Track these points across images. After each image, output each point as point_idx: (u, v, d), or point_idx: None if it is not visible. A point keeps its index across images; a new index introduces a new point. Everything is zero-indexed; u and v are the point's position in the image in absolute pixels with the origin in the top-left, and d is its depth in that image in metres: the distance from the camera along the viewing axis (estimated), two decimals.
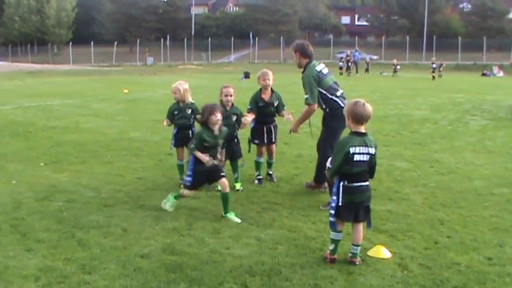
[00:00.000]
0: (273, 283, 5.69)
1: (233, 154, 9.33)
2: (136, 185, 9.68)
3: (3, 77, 45.79)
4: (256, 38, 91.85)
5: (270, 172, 10.34)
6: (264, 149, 10.16)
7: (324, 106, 8.99)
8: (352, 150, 6.07)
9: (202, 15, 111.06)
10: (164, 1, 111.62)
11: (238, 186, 9.50)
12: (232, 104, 9.41)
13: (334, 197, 6.20)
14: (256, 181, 10.01)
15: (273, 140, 10.12)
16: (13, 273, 5.90)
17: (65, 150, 12.81)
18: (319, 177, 9.29)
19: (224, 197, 7.87)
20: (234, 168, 9.58)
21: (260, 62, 78.97)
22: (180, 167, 9.78)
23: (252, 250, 6.60)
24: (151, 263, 6.16)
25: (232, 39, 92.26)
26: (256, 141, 10.00)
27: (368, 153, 6.15)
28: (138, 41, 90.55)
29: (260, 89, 9.92)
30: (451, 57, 72.78)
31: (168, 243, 6.77)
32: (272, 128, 10.06)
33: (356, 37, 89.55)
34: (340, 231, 6.28)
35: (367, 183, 6.25)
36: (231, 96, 9.30)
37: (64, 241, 6.89)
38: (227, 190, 7.86)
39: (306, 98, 8.93)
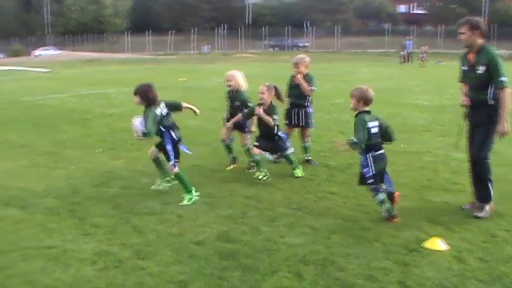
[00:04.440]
0: (327, 272, 5.66)
1: (278, 149, 9.35)
2: (191, 172, 9.72)
3: (62, 65, 46.63)
4: (314, 28, 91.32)
5: (308, 158, 10.54)
6: (294, 131, 10.61)
7: (492, 96, 7.40)
8: (369, 125, 7.14)
9: (258, 4, 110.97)
10: None
11: (299, 173, 9.52)
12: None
13: (366, 169, 7.17)
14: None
15: (301, 124, 10.40)
16: (71, 257, 6.04)
17: (122, 137, 12.95)
18: (482, 192, 7.69)
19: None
20: (288, 160, 9.54)
21: (316, 51, 78.48)
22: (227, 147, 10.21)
23: (307, 239, 6.58)
24: (205, 250, 6.20)
25: (289, 28, 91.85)
26: (286, 122, 10.42)
27: (377, 126, 7.26)
28: (193, 29, 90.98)
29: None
30: None
31: (222, 231, 6.80)
32: (301, 112, 10.31)
33: (414, 26, 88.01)
34: (382, 191, 7.20)
35: (383, 150, 7.34)
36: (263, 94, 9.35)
37: (120, 227, 7.00)
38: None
39: (502, 81, 7.30)
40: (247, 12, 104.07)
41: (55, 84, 27.79)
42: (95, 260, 5.95)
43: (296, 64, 10.31)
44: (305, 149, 10.56)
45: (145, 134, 7.84)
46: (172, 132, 8.17)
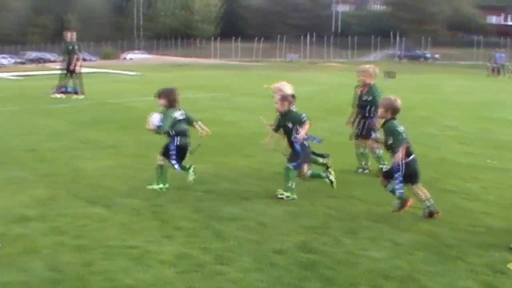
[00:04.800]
0: None
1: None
2: (274, 179, 9.70)
3: (151, 69, 47.58)
4: (403, 38, 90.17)
5: (380, 167, 10.25)
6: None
7: None
8: (400, 130, 7.67)
9: (346, 12, 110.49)
10: None
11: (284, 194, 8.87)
12: None
13: (398, 173, 7.60)
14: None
15: (362, 133, 10.39)
16: (152, 258, 6.12)
17: (207, 142, 12.98)
18: None
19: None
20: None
21: (405, 62, 77.47)
22: None
23: (388, 254, 6.45)
24: (285, 259, 6.16)
25: (378, 38, 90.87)
26: (355, 132, 10.56)
27: (404, 130, 7.75)
28: (281, 37, 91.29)
29: None
30: None
31: (303, 241, 6.75)
32: (363, 122, 10.36)
33: (506, 38, 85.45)
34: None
35: (414, 155, 7.83)
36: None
37: (201, 231, 7.05)
38: None
39: None
40: (334, 21, 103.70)
41: (144, 87, 28.30)
42: (176, 262, 6.01)
43: (361, 73, 10.45)
44: (377, 159, 10.37)
45: (158, 128, 8.96)
46: (177, 138, 9.02)
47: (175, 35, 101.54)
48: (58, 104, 20.45)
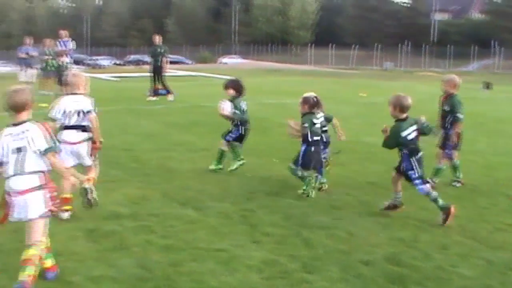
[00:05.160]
0: None
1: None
2: (366, 189, 9.59)
3: (245, 74, 47.88)
4: (502, 48, 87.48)
5: (434, 180, 9.83)
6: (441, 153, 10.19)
7: None
8: (404, 134, 7.77)
9: (443, 21, 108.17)
10: (406, 5, 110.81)
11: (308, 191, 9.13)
12: None
13: (412, 171, 7.85)
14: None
15: (439, 144, 10.14)
16: (239, 262, 6.16)
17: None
18: None
19: None
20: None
21: (504, 73, 75.10)
22: None
23: (480, 272, 6.23)
24: (372, 271, 6.07)
25: (476, 47, 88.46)
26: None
27: (414, 130, 7.90)
28: (377, 45, 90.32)
29: None
30: None
31: (392, 253, 6.63)
32: (443, 132, 10.08)
33: None
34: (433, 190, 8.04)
35: (422, 152, 7.98)
36: None
37: (290, 238, 7.03)
38: None
39: None
40: (432, 30, 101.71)
41: None
42: (262, 268, 6.02)
43: (445, 82, 10.29)
44: (436, 172, 10.05)
45: (233, 115, 10.19)
46: (241, 127, 10.48)
47: (271, 41, 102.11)
48: (153, 106, 20.94)
